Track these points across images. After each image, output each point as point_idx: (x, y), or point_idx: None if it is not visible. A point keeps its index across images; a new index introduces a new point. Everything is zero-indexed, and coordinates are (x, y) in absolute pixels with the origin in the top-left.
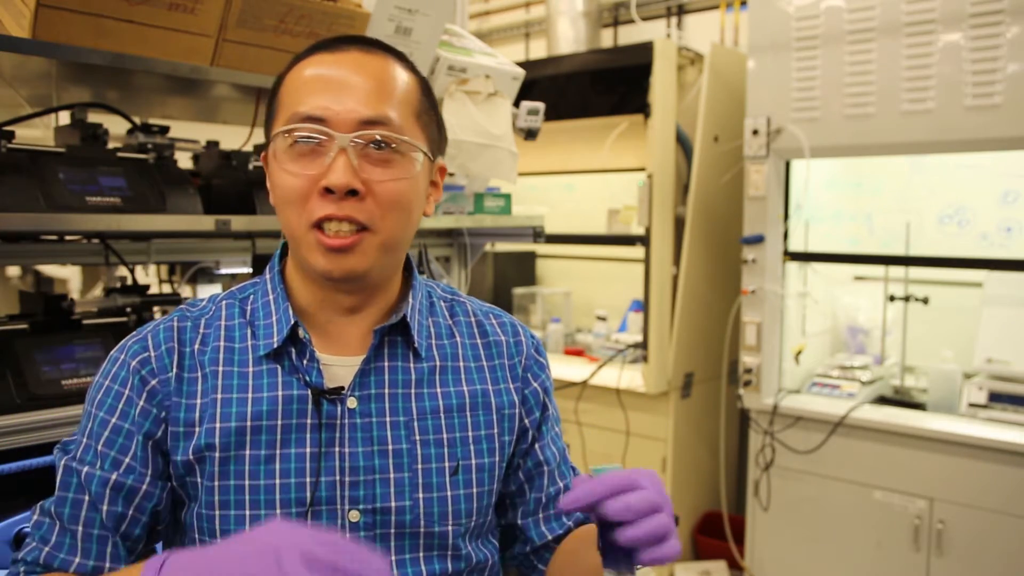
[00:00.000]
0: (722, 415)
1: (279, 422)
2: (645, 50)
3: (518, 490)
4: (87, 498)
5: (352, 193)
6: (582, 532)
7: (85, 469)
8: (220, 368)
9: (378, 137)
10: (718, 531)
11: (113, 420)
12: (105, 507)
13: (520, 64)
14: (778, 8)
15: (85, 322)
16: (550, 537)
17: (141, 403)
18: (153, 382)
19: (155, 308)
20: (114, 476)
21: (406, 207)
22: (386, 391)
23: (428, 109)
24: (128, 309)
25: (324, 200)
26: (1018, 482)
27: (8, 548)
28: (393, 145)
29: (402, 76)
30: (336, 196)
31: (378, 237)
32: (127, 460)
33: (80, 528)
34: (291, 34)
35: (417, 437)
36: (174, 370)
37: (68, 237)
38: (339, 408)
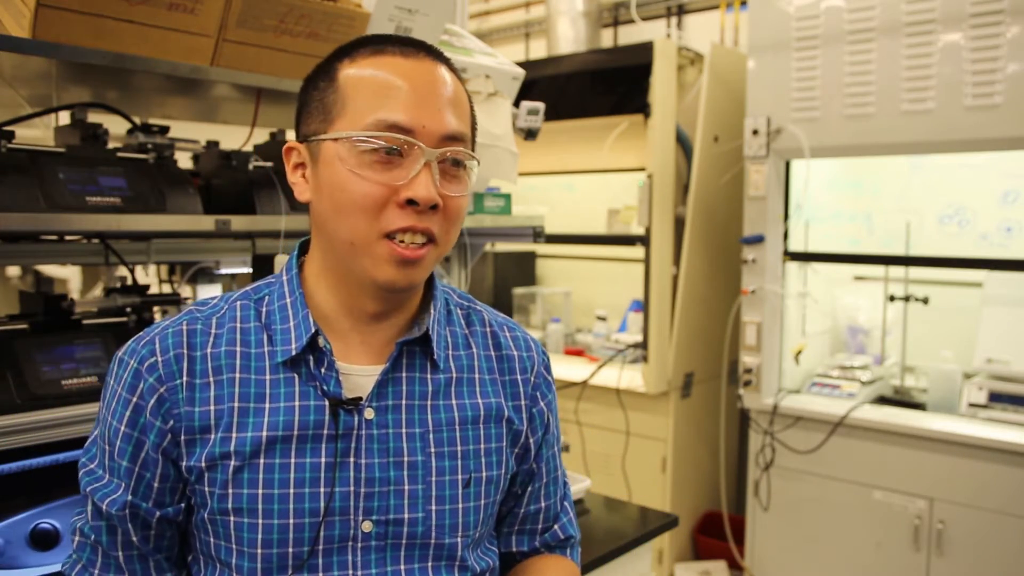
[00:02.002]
0: (722, 415)
1: (295, 432)
2: (645, 50)
3: (511, 504)
4: (118, 529)
5: (433, 207)
6: (551, 564)
7: (104, 505)
8: (237, 375)
9: (463, 154)
10: (718, 531)
11: (123, 428)
12: (135, 536)
13: (520, 64)
14: (778, 8)
15: (85, 322)
16: (515, 549)
17: (149, 411)
18: (161, 390)
19: (155, 308)
20: (129, 499)
21: (462, 221)
22: (403, 402)
23: (475, 123)
24: (128, 309)
25: (404, 211)
26: (1018, 482)
27: (24, 544)
28: (466, 162)
29: (462, 89)
30: (419, 208)
31: (439, 249)
32: (137, 469)
33: (120, 552)
34: (291, 34)
35: (432, 449)
36: (184, 377)
37: (68, 237)
38: (356, 418)
